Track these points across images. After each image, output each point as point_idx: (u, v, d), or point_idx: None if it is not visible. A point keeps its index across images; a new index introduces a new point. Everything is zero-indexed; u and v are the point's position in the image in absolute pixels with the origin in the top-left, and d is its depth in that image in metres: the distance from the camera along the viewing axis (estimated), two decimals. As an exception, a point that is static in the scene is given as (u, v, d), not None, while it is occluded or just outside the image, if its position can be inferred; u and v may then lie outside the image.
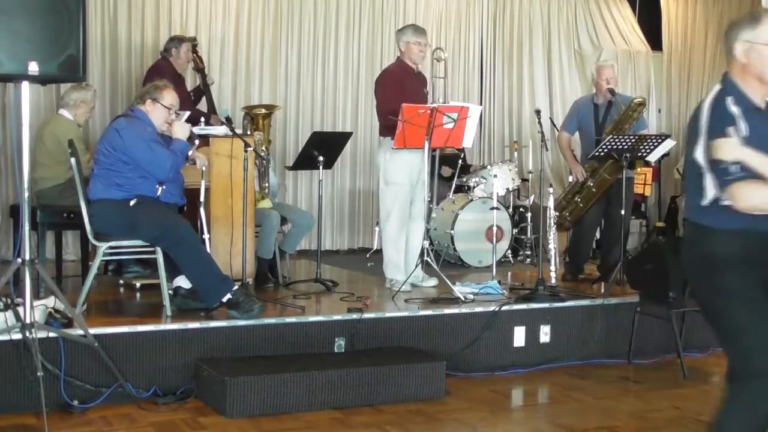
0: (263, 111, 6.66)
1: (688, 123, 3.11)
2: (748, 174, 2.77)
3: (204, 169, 5.32)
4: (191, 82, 7.55)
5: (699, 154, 2.89)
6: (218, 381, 4.30)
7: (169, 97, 5.03)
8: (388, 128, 5.87)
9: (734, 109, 2.86)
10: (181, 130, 5.06)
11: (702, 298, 3.05)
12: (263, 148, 6.33)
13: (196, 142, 5.32)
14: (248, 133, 6.31)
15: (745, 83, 2.94)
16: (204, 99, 7.31)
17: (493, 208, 7.18)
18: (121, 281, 6.02)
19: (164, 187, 4.93)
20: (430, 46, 7.10)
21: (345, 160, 8.62)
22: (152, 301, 5.31)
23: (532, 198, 8.28)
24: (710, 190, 2.89)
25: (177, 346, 4.59)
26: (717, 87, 2.99)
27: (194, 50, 7.25)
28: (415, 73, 6.17)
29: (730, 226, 2.86)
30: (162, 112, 5.00)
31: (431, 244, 6.30)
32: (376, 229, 7.91)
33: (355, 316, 5.01)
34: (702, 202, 2.92)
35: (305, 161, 6.43)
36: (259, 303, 4.88)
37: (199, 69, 7.25)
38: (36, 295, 4.42)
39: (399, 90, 5.88)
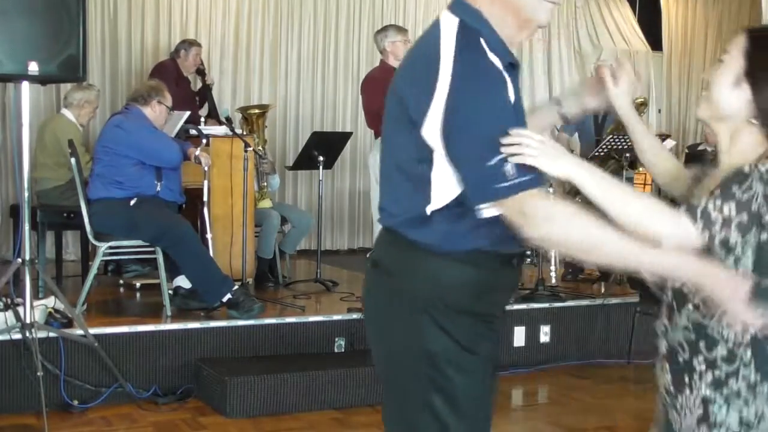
0: (256, 111, 6.66)
1: (395, 81, 1.95)
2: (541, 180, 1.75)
3: (207, 169, 5.33)
4: (193, 84, 7.54)
5: (430, 131, 1.77)
6: (218, 381, 4.29)
7: (169, 95, 5.21)
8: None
9: (495, 61, 1.82)
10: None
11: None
12: (260, 147, 6.32)
13: (204, 141, 5.35)
14: (245, 133, 6.31)
15: (498, 19, 1.87)
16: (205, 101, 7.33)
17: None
18: (121, 281, 6.00)
19: (162, 182, 4.96)
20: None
21: (345, 160, 8.60)
22: (152, 301, 5.31)
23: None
24: (444, 190, 1.81)
25: (177, 346, 4.59)
26: (448, 17, 1.83)
27: None
28: None
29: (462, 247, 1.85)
30: (165, 111, 5.18)
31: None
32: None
33: (355, 316, 5.00)
34: (423, 208, 1.84)
35: (305, 161, 6.42)
36: (259, 303, 4.88)
37: (200, 71, 7.26)
38: (36, 295, 4.43)
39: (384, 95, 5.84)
